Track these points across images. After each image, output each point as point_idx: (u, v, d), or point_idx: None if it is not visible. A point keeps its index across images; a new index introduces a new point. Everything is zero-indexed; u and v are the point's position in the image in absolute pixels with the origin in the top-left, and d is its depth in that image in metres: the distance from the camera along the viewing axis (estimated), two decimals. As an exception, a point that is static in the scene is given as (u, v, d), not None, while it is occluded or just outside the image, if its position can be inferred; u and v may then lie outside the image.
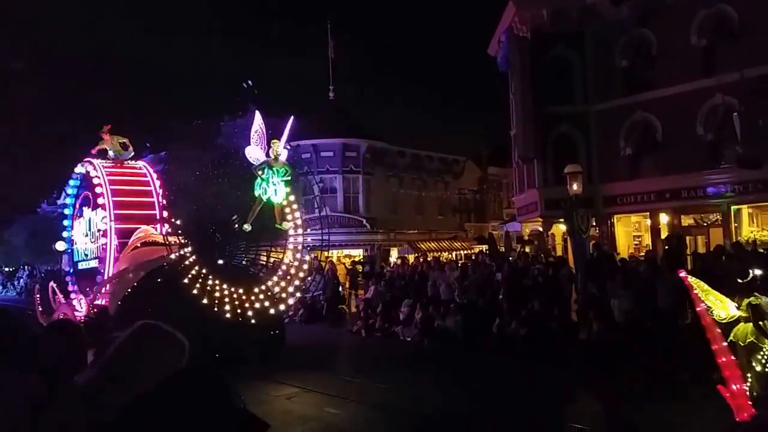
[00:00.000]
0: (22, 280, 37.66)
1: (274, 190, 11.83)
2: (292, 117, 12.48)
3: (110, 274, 13.79)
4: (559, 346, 11.53)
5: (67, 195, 17.46)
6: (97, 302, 13.80)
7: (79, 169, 16.13)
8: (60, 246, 26.33)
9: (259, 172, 11.79)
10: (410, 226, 35.37)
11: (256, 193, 11.94)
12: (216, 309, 11.11)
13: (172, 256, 11.72)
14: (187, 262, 11.56)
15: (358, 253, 30.99)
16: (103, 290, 13.68)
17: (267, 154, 11.98)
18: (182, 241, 11.95)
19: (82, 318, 13.88)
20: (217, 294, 11.31)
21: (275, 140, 11.96)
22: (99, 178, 14.77)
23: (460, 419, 8.19)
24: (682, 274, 4.55)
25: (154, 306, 10.52)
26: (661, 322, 10.83)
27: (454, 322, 14.04)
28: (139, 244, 13.63)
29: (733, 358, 4.44)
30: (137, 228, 14.16)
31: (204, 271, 11.52)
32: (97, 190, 14.66)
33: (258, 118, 12.27)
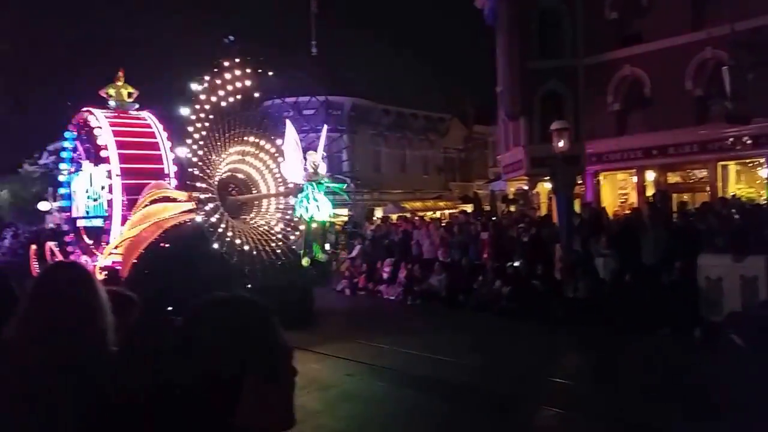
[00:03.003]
0: (6, 241, 36.95)
1: (316, 206, 10.49)
2: (325, 126, 11.65)
3: (117, 233, 13.14)
4: (542, 304, 11.53)
5: (64, 148, 16.51)
6: (106, 264, 13.15)
7: (76, 119, 15.25)
8: (43, 206, 25.50)
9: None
10: (394, 185, 35.10)
11: (298, 214, 10.79)
12: (248, 271, 10.53)
13: (193, 213, 10.80)
14: (213, 220, 10.70)
15: (341, 213, 30.75)
16: (112, 251, 13.03)
17: (305, 168, 10.67)
18: (204, 196, 10.90)
19: None
20: (248, 251, 10.75)
21: (311, 151, 10.84)
22: (101, 128, 13.99)
23: (444, 376, 8.14)
24: None
25: (174, 269, 9.92)
26: (646, 280, 10.77)
27: (438, 281, 14.01)
28: (149, 201, 12.83)
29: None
30: (146, 183, 13.41)
31: (232, 229, 10.86)
32: (99, 141, 13.64)
33: (290, 128, 10.98)
